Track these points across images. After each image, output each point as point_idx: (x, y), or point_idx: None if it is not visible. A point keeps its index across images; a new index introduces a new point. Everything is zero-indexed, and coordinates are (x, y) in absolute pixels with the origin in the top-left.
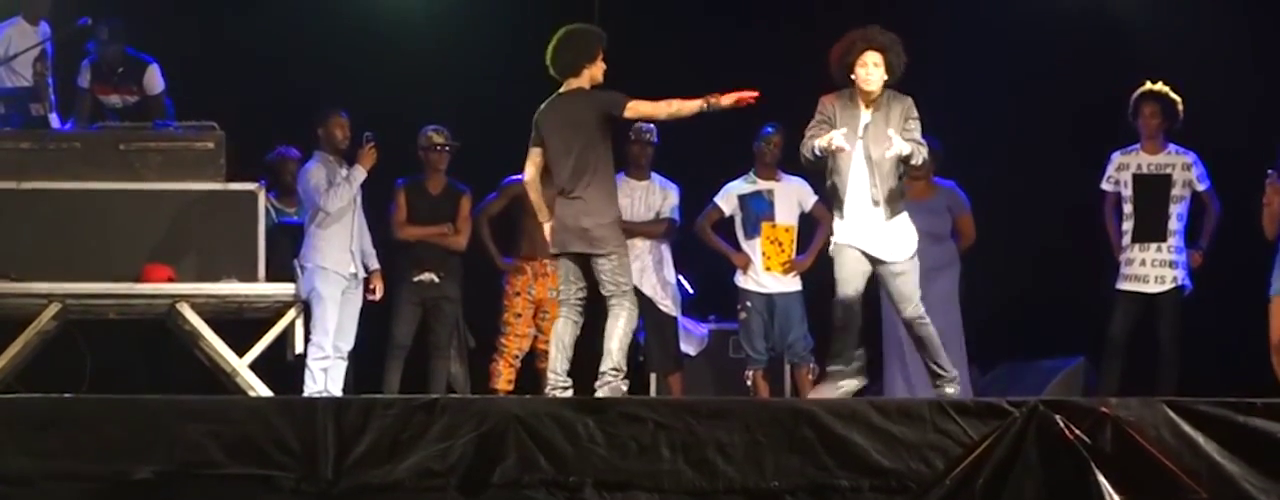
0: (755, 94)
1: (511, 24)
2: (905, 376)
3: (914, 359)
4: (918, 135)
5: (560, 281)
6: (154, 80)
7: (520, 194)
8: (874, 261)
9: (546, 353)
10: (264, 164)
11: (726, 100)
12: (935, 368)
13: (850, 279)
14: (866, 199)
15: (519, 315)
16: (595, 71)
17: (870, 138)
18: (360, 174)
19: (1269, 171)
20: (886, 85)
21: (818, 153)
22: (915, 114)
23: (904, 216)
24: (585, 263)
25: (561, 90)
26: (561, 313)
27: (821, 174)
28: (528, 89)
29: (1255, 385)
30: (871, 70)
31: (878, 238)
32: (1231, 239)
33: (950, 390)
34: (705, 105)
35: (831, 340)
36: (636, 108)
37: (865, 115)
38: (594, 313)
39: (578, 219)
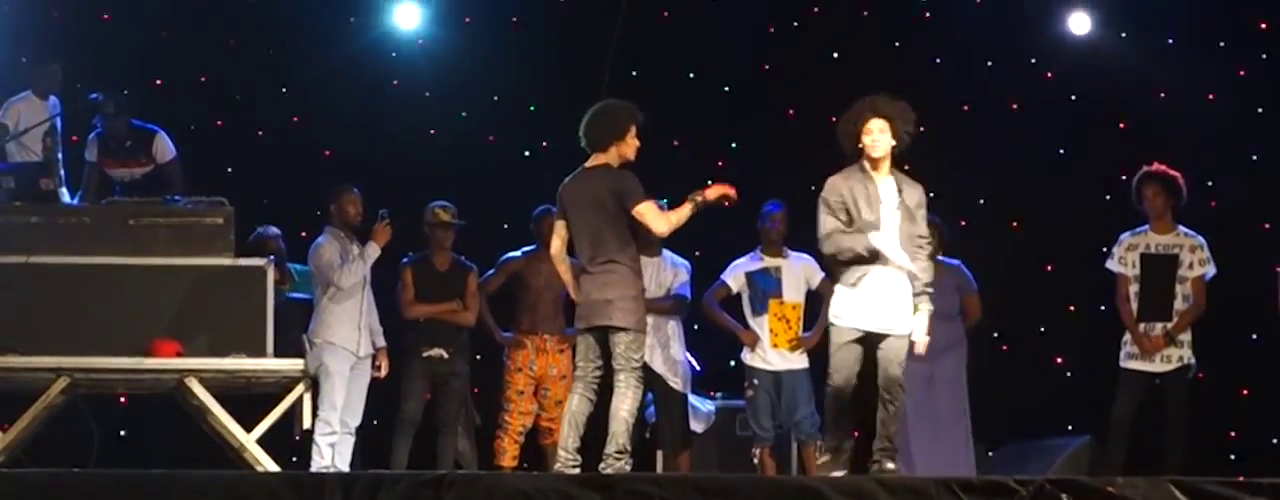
0: (733, 191)
1: (516, 102)
2: (908, 455)
3: (918, 436)
4: (924, 223)
5: (578, 358)
6: (164, 147)
7: (519, 270)
8: (880, 336)
9: (549, 429)
10: (247, 244)
11: (711, 194)
12: (886, 442)
13: (843, 367)
14: (898, 270)
15: (521, 392)
16: (625, 149)
17: (902, 210)
18: (374, 251)
19: None
20: (895, 152)
21: (852, 255)
22: (925, 203)
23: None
24: (604, 340)
25: (587, 164)
26: (576, 389)
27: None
28: (529, 166)
29: (1261, 464)
30: (877, 137)
31: (900, 307)
32: (1235, 318)
33: (889, 466)
34: (695, 205)
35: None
36: (642, 214)
37: (886, 185)
38: (607, 389)
39: (602, 292)
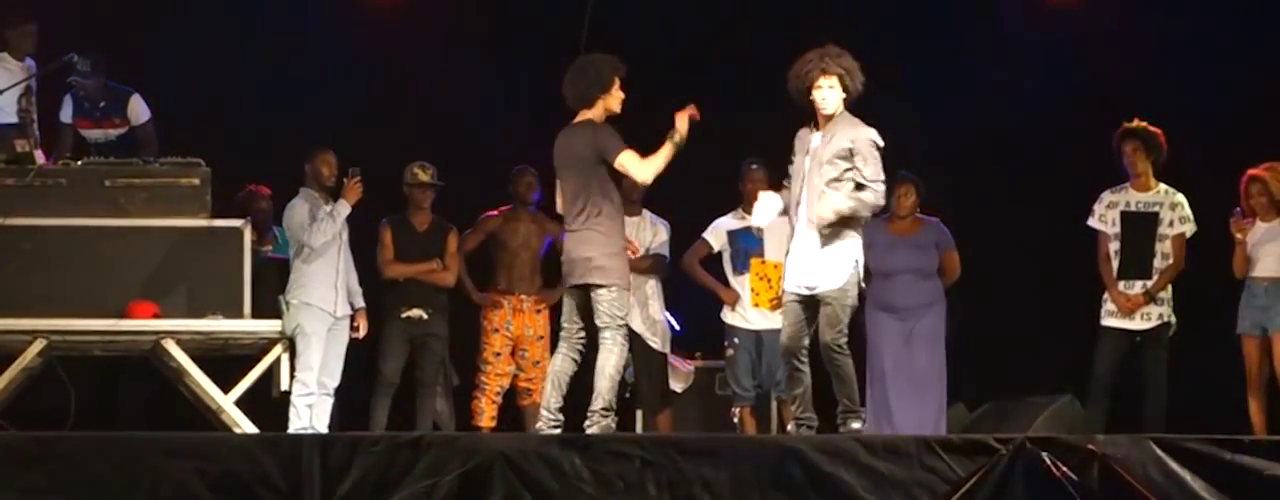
0: (695, 109)
1: (497, 59)
2: (887, 413)
3: (897, 393)
4: (866, 173)
5: (563, 317)
6: (138, 109)
7: (495, 229)
8: (807, 296)
9: (526, 390)
10: (232, 201)
11: (682, 126)
12: (845, 402)
13: (784, 325)
14: (803, 221)
15: (498, 353)
16: (610, 102)
17: (815, 160)
18: (345, 209)
19: (1235, 209)
20: (846, 103)
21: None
22: (868, 151)
23: (845, 245)
24: (588, 298)
25: (574, 121)
26: (560, 348)
27: None
28: (510, 126)
29: (1243, 422)
30: (826, 92)
31: (811, 264)
32: (1218, 274)
33: (856, 425)
34: (674, 145)
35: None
36: (623, 164)
37: (816, 138)
38: (591, 349)
39: (583, 249)
